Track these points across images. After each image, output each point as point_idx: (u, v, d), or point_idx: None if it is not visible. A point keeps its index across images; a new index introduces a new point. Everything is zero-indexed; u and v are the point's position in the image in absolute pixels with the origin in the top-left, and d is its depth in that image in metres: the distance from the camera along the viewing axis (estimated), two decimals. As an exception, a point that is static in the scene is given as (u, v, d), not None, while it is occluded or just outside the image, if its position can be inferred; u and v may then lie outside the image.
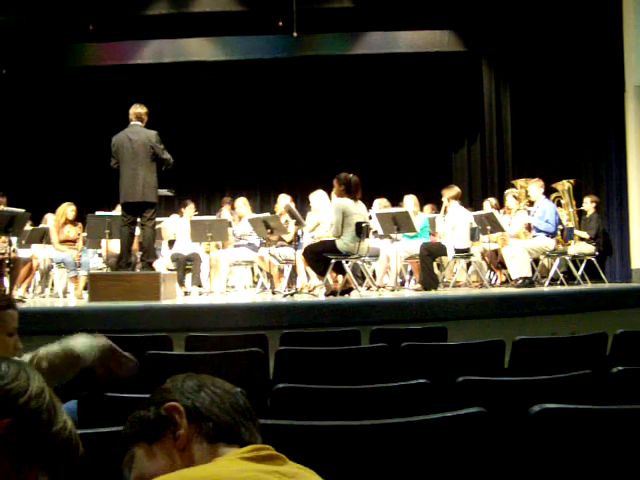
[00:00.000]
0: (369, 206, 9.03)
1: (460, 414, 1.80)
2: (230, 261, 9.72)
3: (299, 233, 9.31)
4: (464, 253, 9.00)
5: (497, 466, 1.89)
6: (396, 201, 10.31)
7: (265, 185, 14.33)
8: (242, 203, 10.14)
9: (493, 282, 9.95)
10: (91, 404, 2.40)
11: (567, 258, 9.46)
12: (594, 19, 10.56)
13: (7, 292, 7.81)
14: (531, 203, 9.51)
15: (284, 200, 9.79)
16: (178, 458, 1.25)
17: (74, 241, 9.41)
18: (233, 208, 10.88)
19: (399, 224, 8.41)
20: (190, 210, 10.49)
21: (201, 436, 1.27)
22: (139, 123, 7.62)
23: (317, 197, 9.19)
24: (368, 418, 1.79)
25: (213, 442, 1.27)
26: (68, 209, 9.36)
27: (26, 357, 2.28)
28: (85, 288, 9.50)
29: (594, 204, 10.11)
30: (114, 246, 9.15)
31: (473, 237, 9.23)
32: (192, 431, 1.27)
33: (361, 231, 7.43)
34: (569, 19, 10.92)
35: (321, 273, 7.59)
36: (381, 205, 9.90)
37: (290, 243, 9.03)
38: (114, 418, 1.94)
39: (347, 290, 7.61)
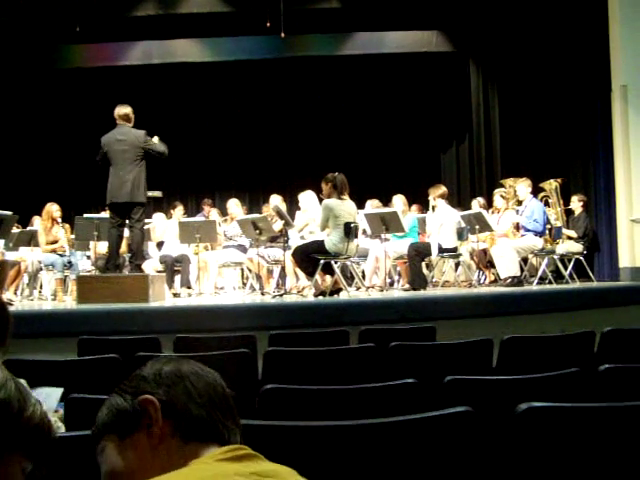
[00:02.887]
0: (359, 206, 9.04)
1: (447, 413, 1.81)
2: (219, 262, 9.71)
3: (289, 234, 9.30)
4: (451, 252, 9.02)
5: (484, 465, 1.90)
6: (385, 201, 10.32)
7: (254, 186, 14.30)
8: (234, 204, 10.15)
9: (482, 281, 9.98)
10: (79, 406, 2.39)
11: (555, 257, 9.49)
12: (581, 20, 10.61)
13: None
14: (519, 202, 9.54)
15: (275, 201, 9.79)
16: (150, 456, 1.21)
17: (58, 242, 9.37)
18: (213, 208, 11.01)
19: (387, 224, 8.42)
20: (179, 212, 10.47)
21: (176, 433, 1.22)
22: (127, 124, 7.59)
23: (306, 197, 9.19)
24: (356, 418, 1.79)
25: (188, 440, 1.22)
26: (52, 209, 9.30)
27: None
28: (66, 291, 9.48)
29: (582, 203, 10.14)
30: (102, 248, 9.12)
31: (461, 237, 9.25)
32: (167, 428, 1.22)
33: (349, 231, 7.43)
34: (556, 20, 10.97)
35: (310, 274, 7.59)
36: (373, 206, 9.91)
37: (279, 234, 8.96)
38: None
39: (336, 291, 7.61)
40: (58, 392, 2.54)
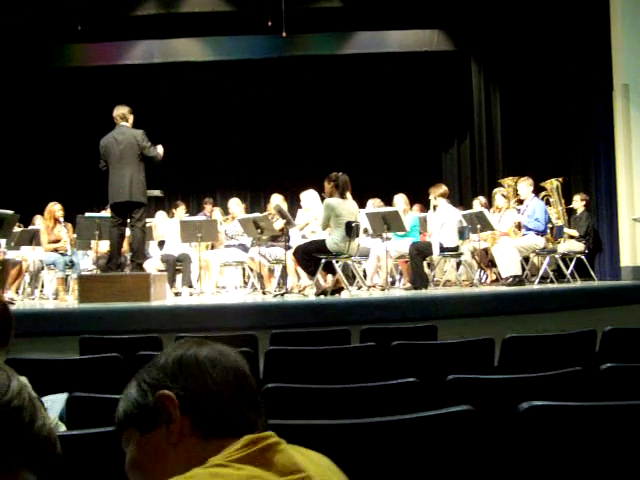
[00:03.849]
0: (361, 205, 9.04)
1: (448, 412, 1.80)
2: (220, 262, 9.71)
3: (290, 233, 9.29)
4: (453, 251, 9.02)
5: (486, 464, 1.90)
6: (386, 200, 10.32)
7: (255, 185, 14.33)
8: (235, 203, 10.17)
9: (483, 281, 9.97)
10: (80, 405, 2.39)
11: (557, 256, 9.49)
12: (582, 18, 10.60)
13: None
14: (520, 202, 9.54)
15: (276, 200, 9.79)
16: (170, 454, 1.19)
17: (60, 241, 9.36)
18: (214, 207, 11.05)
19: (389, 223, 8.42)
20: (181, 211, 10.47)
21: (195, 430, 1.20)
22: (125, 123, 7.61)
23: (308, 196, 9.19)
24: (358, 417, 1.79)
25: (208, 437, 1.20)
26: (55, 209, 9.29)
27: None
28: (67, 290, 9.47)
29: (584, 202, 10.14)
30: (104, 247, 9.12)
31: (463, 236, 9.25)
32: (185, 424, 1.20)
33: (351, 230, 7.43)
34: (558, 18, 10.97)
35: (311, 273, 7.59)
36: (374, 205, 9.90)
37: (280, 233, 8.95)
38: (104, 419, 1.94)
39: (337, 290, 7.61)
40: (63, 398, 2.54)
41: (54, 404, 2.54)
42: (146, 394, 1.24)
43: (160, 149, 7.63)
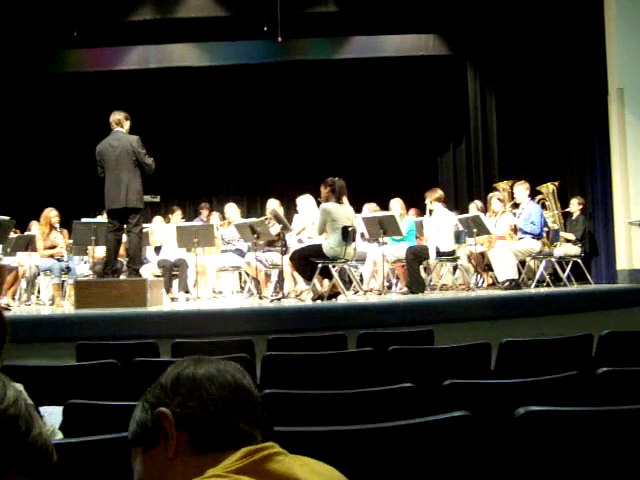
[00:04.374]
0: (357, 210, 9.05)
1: (445, 418, 1.80)
2: (217, 267, 9.70)
3: (287, 238, 9.30)
4: (449, 256, 9.02)
5: (483, 470, 1.90)
6: (383, 205, 10.32)
7: (252, 190, 14.32)
8: (232, 208, 10.17)
9: (480, 285, 9.97)
10: (77, 412, 2.39)
11: (553, 260, 9.50)
12: (577, 23, 10.63)
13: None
14: (516, 205, 9.55)
15: (272, 205, 9.79)
16: (168, 470, 1.21)
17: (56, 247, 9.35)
18: (210, 212, 11.03)
19: (385, 228, 8.42)
20: (177, 216, 10.46)
21: (192, 445, 1.21)
22: (120, 129, 7.61)
23: (304, 201, 9.19)
24: (355, 423, 1.79)
25: (204, 451, 1.21)
26: (50, 215, 9.28)
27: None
28: (63, 296, 9.46)
29: (581, 206, 10.16)
30: (100, 253, 9.10)
31: (459, 240, 9.25)
32: (183, 440, 1.21)
33: (347, 235, 7.43)
34: (553, 23, 11.00)
35: (308, 278, 7.59)
36: (371, 209, 9.91)
37: (277, 238, 8.95)
38: (101, 426, 1.94)
39: (334, 294, 7.61)
40: (59, 410, 2.54)
41: (50, 416, 2.53)
42: (147, 413, 1.27)
43: (151, 162, 7.60)
